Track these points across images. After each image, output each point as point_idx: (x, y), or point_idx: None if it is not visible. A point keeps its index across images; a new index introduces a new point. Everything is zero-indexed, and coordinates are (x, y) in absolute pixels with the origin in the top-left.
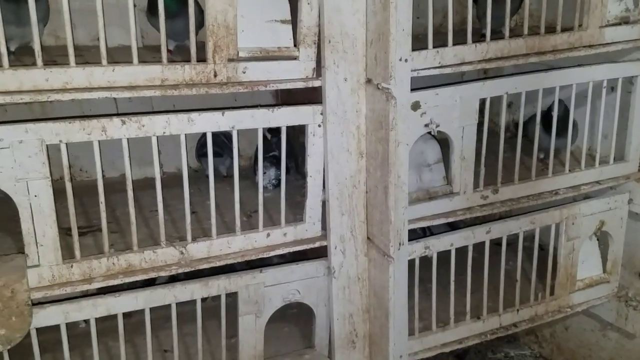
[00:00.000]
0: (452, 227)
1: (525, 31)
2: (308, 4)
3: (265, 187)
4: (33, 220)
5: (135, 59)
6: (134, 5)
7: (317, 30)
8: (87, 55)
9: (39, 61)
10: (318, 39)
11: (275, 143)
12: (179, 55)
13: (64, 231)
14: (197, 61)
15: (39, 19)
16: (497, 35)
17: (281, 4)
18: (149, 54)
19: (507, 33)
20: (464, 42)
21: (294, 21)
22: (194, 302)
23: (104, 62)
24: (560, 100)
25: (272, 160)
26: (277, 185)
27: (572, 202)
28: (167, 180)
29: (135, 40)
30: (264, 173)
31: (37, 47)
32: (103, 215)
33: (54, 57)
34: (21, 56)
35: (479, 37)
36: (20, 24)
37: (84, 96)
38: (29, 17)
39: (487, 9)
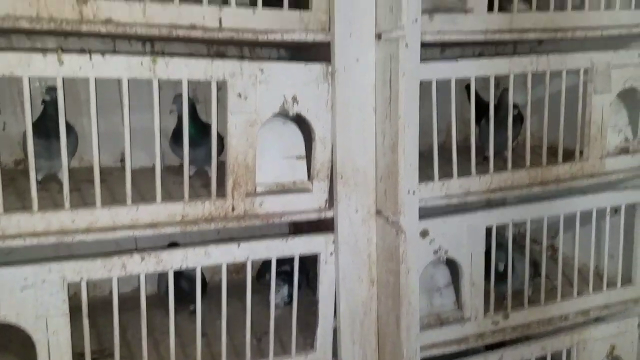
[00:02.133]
0: None
1: (528, 162)
2: (322, 143)
3: (276, 304)
4: (49, 356)
5: (158, 197)
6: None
7: (329, 165)
8: (109, 180)
9: (67, 204)
10: (330, 173)
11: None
12: (198, 179)
13: (77, 357)
14: (217, 196)
15: (68, 152)
16: (500, 156)
17: (297, 142)
18: (170, 176)
19: (509, 165)
20: (469, 172)
21: (309, 156)
22: None
23: (129, 201)
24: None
25: (284, 277)
26: (289, 302)
27: (582, 326)
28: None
29: (159, 180)
30: (277, 291)
31: (65, 190)
32: (116, 346)
33: (79, 182)
34: (47, 183)
35: (482, 158)
36: (49, 157)
37: (107, 236)
38: (58, 151)
39: (490, 135)
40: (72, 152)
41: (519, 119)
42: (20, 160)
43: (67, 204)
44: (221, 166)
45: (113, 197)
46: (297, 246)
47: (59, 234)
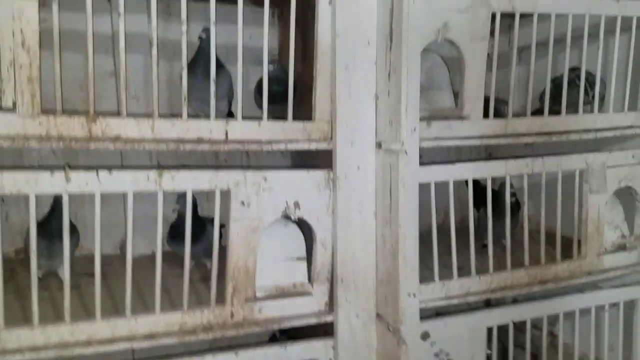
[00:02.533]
0: None
1: (527, 261)
2: (322, 245)
3: None
4: None
5: (157, 308)
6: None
7: (330, 268)
8: (109, 273)
9: (67, 317)
10: (331, 276)
11: None
12: (197, 272)
13: None
14: (216, 303)
15: (71, 249)
16: (498, 244)
17: (298, 243)
18: (168, 266)
19: (508, 264)
20: (469, 272)
21: (309, 258)
22: None
23: (128, 312)
24: None
25: None
26: None
27: None
28: None
29: (159, 291)
30: None
31: (66, 304)
32: None
33: (78, 275)
34: (46, 280)
35: (481, 246)
36: (50, 256)
37: (106, 349)
38: (58, 251)
39: (488, 224)
40: (72, 251)
41: (517, 208)
42: (21, 250)
43: (67, 317)
44: (221, 268)
45: (112, 298)
46: (296, 352)
47: (59, 347)
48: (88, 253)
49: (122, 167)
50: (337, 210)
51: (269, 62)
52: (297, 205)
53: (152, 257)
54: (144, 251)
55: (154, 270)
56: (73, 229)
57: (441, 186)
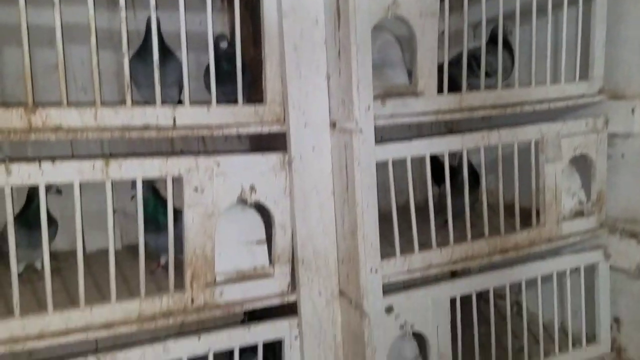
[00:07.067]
0: None
1: (487, 232)
2: (282, 228)
3: None
4: None
5: (113, 297)
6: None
7: (290, 249)
8: (64, 268)
9: (17, 311)
10: (292, 257)
11: None
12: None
13: None
14: (175, 289)
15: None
16: (460, 217)
17: (256, 227)
18: (128, 256)
19: (469, 235)
20: (430, 245)
21: (269, 241)
22: None
23: (82, 303)
24: None
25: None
26: None
27: None
28: None
29: (114, 278)
30: None
31: (15, 298)
32: None
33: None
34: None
35: (443, 222)
36: (29, 246)
37: (60, 341)
38: (37, 240)
39: (447, 206)
40: (53, 236)
41: (476, 182)
42: None
43: (17, 311)
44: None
45: (67, 292)
46: (261, 333)
47: (9, 342)
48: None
49: (73, 157)
50: (294, 193)
51: (221, 40)
52: (252, 189)
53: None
54: (101, 245)
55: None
56: (51, 221)
57: (402, 166)
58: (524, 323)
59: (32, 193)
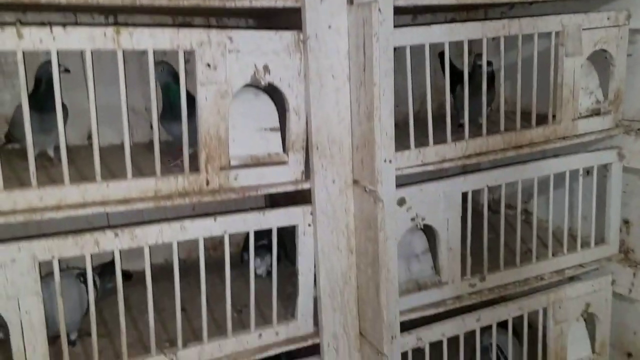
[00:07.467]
0: None
1: (502, 127)
2: (296, 113)
3: (256, 277)
4: (23, 337)
5: (129, 173)
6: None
7: (304, 136)
8: (77, 159)
9: (34, 181)
10: (306, 144)
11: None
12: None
13: (51, 340)
14: (190, 171)
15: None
16: (475, 123)
17: (270, 113)
18: (139, 152)
19: (484, 131)
20: (444, 140)
21: (283, 128)
22: None
23: (98, 178)
24: None
25: (261, 252)
26: (267, 274)
27: (557, 285)
28: (155, 272)
29: (129, 156)
30: (257, 266)
31: (32, 168)
32: (93, 323)
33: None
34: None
35: (457, 126)
36: (41, 131)
37: (78, 213)
38: (50, 124)
39: (465, 101)
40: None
41: (492, 84)
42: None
43: (34, 181)
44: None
45: (82, 176)
46: (275, 218)
47: (27, 212)
48: None
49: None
50: (309, 75)
51: None
52: (266, 69)
53: (122, 147)
54: (113, 141)
55: (124, 157)
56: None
57: (415, 73)
58: (534, 229)
59: (40, 76)
